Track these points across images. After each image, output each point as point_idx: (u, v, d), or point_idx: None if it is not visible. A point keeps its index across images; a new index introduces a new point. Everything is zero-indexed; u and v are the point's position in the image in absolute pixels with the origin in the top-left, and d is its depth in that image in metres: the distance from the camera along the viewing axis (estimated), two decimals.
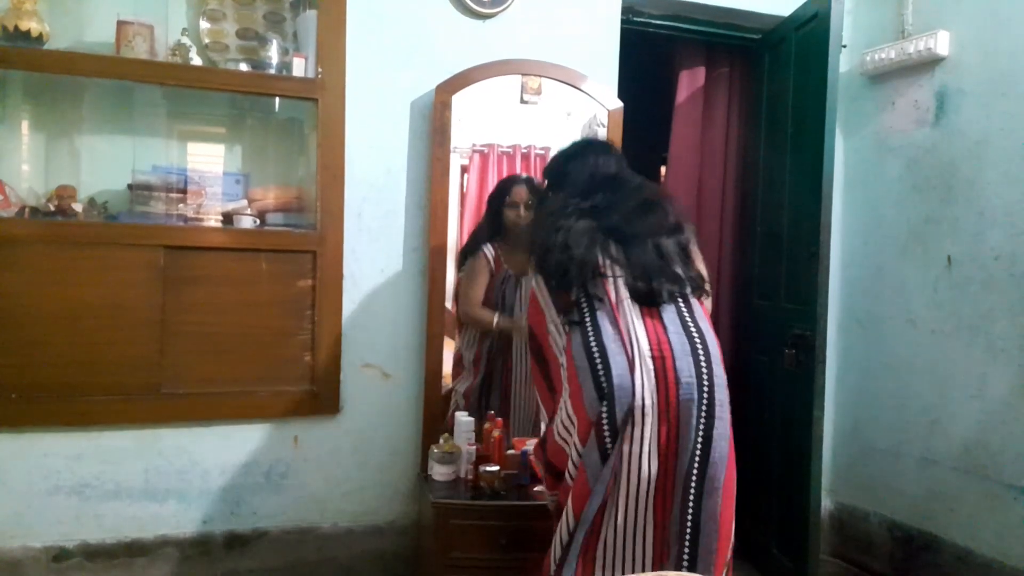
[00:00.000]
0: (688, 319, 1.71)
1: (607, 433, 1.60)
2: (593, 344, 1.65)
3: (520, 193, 2.57)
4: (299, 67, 2.36)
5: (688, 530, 1.64)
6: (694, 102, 3.17)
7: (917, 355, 2.73)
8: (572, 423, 1.67)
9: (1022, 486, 2.35)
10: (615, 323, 1.67)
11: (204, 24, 2.39)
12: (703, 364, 1.65)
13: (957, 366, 2.58)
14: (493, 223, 2.61)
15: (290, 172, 2.56)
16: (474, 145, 2.73)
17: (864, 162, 3.00)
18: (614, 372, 1.61)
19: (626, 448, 1.60)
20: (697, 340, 1.68)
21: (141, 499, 2.32)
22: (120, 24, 2.22)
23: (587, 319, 1.69)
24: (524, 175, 2.67)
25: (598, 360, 1.63)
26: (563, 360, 1.73)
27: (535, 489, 2.30)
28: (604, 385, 1.60)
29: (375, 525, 2.54)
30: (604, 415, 1.60)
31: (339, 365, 2.46)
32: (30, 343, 2.16)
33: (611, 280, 1.72)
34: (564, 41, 2.68)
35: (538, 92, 2.71)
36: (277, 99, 2.48)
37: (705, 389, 1.63)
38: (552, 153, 2.84)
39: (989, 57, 2.51)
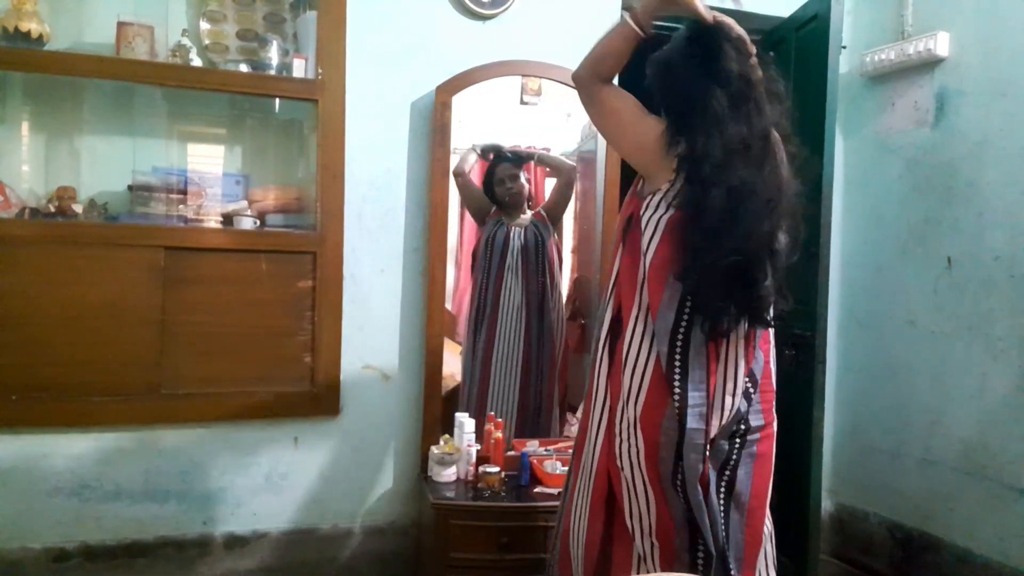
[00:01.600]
0: None
1: None
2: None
3: (504, 170, 2.76)
4: (299, 68, 2.36)
5: None
6: None
7: (917, 355, 2.73)
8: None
9: (1022, 487, 2.35)
10: None
11: (204, 25, 2.39)
12: None
13: (957, 366, 2.58)
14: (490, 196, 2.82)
15: (290, 172, 2.56)
16: (474, 146, 2.74)
17: (864, 162, 3.00)
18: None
19: None
20: None
21: (141, 500, 2.32)
22: (120, 25, 2.22)
23: None
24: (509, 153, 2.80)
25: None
26: None
27: (536, 490, 2.30)
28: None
29: (375, 525, 2.54)
30: None
31: (339, 366, 2.45)
32: (30, 343, 2.16)
33: None
34: (564, 41, 2.67)
35: (538, 93, 2.71)
36: (277, 100, 2.48)
37: None
38: (553, 152, 2.86)
39: (989, 58, 2.50)
